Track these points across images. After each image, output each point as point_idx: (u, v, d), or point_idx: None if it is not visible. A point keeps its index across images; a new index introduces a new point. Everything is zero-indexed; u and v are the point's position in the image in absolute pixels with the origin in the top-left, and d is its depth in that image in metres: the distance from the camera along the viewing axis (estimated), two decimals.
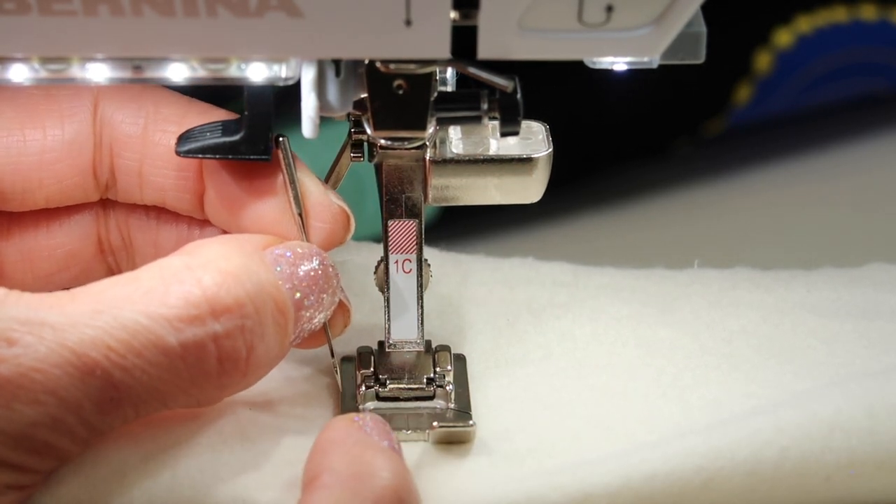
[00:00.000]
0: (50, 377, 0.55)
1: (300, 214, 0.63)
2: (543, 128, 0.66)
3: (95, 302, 0.57)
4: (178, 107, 0.64)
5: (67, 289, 0.66)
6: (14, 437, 0.55)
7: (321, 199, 0.63)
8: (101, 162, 0.64)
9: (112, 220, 0.67)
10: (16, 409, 0.55)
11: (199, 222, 0.66)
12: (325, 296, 0.62)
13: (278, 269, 0.61)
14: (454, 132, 0.65)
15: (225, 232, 0.65)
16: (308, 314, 0.61)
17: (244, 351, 0.59)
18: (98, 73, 0.59)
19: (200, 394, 0.59)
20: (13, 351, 0.55)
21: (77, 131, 0.64)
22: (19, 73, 0.59)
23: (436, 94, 0.61)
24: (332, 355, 0.65)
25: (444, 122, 0.63)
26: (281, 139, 0.62)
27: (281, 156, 0.62)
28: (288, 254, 0.61)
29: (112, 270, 0.67)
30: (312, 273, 0.61)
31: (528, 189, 0.65)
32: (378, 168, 0.64)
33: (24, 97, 0.64)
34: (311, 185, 0.63)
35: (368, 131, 0.63)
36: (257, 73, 0.59)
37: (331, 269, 0.62)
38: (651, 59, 0.59)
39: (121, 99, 0.64)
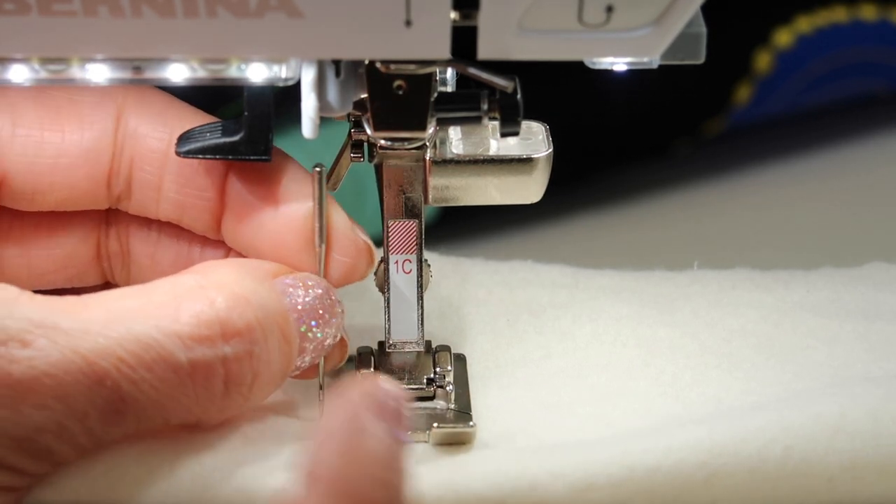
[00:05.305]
0: (60, 383, 0.55)
1: (322, 246, 0.63)
2: (543, 128, 0.66)
3: (107, 311, 0.57)
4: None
5: (61, 289, 0.66)
6: (17, 440, 0.55)
7: (347, 233, 0.63)
8: (118, 173, 0.64)
9: (113, 227, 0.66)
10: (23, 412, 0.55)
11: (199, 241, 0.65)
12: (329, 330, 0.62)
13: (287, 299, 0.61)
14: (454, 132, 0.65)
15: (233, 253, 0.64)
16: (311, 346, 0.61)
17: (250, 376, 0.59)
18: (98, 73, 0.59)
19: (203, 413, 0.59)
20: (27, 353, 0.55)
21: (96, 139, 0.63)
22: (19, 74, 0.59)
23: (436, 95, 0.61)
24: (322, 387, 0.64)
25: (444, 123, 0.63)
26: (317, 169, 0.62)
27: (315, 186, 0.62)
28: (298, 285, 0.61)
29: (105, 275, 0.67)
30: (319, 307, 0.61)
31: (528, 189, 0.65)
32: (378, 168, 0.64)
33: (47, 98, 0.63)
34: (338, 218, 0.63)
35: (368, 132, 0.63)
36: (257, 73, 0.59)
37: (337, 306, 0.62)
38: (651, 59, 0.59)
39: (146, 113, 0.64)
